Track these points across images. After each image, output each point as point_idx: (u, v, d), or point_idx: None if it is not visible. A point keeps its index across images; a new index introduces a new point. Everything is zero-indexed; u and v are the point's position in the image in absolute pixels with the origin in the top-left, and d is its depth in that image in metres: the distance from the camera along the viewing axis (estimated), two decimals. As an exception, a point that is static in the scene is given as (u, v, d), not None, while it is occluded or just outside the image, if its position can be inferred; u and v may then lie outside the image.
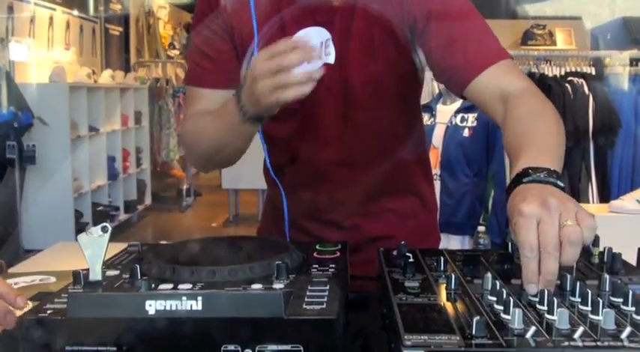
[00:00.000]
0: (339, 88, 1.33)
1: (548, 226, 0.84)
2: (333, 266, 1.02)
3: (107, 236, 0.90)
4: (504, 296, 0.82)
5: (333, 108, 1.35)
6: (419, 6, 1.26)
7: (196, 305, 0.82)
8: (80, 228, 5.83)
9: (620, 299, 0.84)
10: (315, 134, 1.38)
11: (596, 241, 1.05)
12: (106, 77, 7.16)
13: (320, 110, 1.35)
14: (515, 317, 0.74)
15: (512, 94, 1.17)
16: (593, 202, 4.39)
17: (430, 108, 4.10)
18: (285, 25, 1.30)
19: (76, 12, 7.27)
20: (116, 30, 8.58)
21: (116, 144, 7.11)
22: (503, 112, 1.16)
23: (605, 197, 4.38)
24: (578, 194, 4.40)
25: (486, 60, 1.22)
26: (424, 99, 4.29)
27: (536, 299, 0.82)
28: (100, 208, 6.56)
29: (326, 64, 1.15)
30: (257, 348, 0.81)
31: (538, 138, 1.07)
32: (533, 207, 0.85)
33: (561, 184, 0.93)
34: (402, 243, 1.11)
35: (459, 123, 3.99)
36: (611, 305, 0.82)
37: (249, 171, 2.87)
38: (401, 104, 1.40)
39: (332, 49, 1.17)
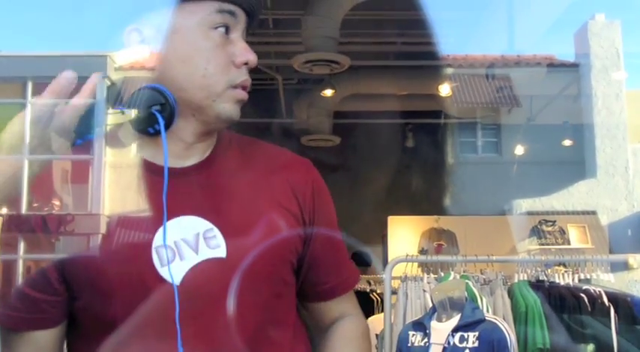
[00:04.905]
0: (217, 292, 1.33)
1: None
2: None
3: None
4: None
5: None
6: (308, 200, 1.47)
7: None
8: None
9: None
10: None
11: None
12: None
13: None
14: None
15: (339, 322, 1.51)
16: None
17: (423, 326, 4.12)
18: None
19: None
20: None
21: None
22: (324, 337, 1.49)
23: None
24: None
25: (340, 289, 1.53)
26: (415, 314, 4.35)
27: None
28: None
29: (210, 260, 1.26)
30: None
31: None
32: None
33: None
34: None
35: (457, 343, 4.02)
36: None
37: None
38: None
39: (220, 241, 1.27)
